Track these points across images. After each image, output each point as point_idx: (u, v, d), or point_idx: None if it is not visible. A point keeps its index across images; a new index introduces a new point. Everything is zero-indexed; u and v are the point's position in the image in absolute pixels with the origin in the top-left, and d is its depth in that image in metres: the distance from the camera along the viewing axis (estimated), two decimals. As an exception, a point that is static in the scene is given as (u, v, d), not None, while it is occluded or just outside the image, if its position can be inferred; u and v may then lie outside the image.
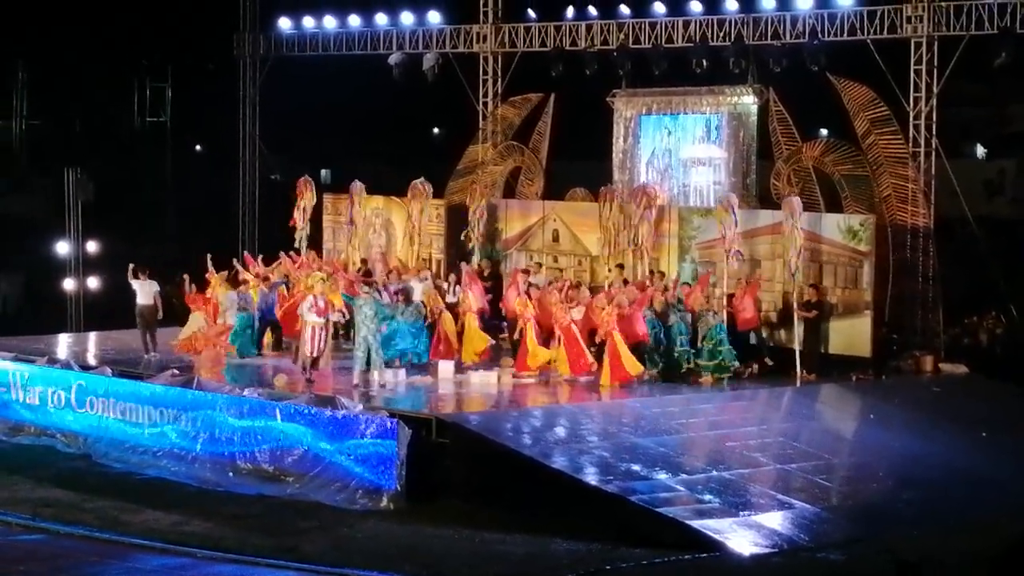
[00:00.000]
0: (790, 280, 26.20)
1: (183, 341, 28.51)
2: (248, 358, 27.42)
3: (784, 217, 26.18)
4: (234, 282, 28.34)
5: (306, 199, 32.35)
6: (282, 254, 29.63)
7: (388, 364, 25.28)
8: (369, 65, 34.90)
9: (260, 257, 30.18)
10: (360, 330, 24.71)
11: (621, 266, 28.26)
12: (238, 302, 27.59)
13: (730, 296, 26.40)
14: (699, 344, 25.56)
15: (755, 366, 26.16)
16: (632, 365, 24.79)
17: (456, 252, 31.50)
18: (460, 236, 31.23)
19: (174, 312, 29.70)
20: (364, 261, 31.30)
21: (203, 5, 41.83)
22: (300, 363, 25.51)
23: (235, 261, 29.11)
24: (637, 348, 25.21)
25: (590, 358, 25.17)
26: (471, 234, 30.84)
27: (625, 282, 27.22)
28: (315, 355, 25.28)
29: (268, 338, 28.26)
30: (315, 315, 25.07)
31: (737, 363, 25.66)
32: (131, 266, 28.14)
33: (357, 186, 32.24)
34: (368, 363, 24.60)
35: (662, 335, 25.57)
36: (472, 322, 26.39)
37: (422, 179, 31.49)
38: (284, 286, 28.18)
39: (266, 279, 28.14)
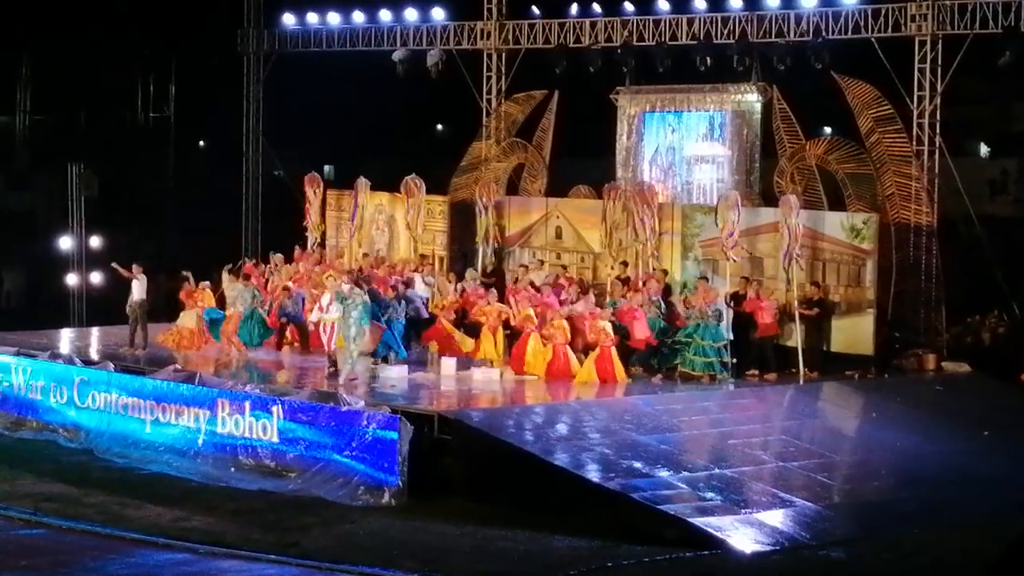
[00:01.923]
0: (782, 278, 26.22)
1: (166, 334, 27.93)
2: (256, 349, 27.32)
3: (780, 216, 26.13)
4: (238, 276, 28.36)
5: (310, 196, 32.38)
6: (244, 259, 29.73)
7: (386, 360, 25.53)
8: (373, 61, 34.88)
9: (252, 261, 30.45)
10: (350, 330, 24.67)
11: (625, 263, 28.25)
12: (247, 294, 27.41)
13: (734, 294, 26.33)
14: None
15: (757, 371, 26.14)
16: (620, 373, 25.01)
17: (459, 249, 31.50)
18: (464, 233, 31.19)
19: (174, 308, 29.63)
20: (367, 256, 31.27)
21: (207, 1, 41.81)
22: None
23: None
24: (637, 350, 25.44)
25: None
26: (480, 232, 30.77)
27: (619, 279, 27.29)
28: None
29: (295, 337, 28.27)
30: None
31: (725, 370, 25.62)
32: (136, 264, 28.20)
33: (361, 182, 32.24)
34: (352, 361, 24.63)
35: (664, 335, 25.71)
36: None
37: (413, 175, 31.39)
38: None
39: (286, 289, 28.08)
